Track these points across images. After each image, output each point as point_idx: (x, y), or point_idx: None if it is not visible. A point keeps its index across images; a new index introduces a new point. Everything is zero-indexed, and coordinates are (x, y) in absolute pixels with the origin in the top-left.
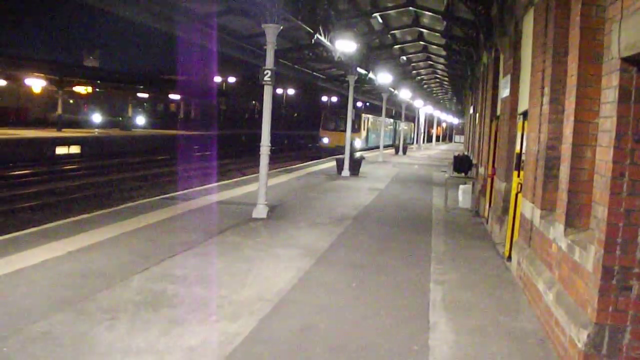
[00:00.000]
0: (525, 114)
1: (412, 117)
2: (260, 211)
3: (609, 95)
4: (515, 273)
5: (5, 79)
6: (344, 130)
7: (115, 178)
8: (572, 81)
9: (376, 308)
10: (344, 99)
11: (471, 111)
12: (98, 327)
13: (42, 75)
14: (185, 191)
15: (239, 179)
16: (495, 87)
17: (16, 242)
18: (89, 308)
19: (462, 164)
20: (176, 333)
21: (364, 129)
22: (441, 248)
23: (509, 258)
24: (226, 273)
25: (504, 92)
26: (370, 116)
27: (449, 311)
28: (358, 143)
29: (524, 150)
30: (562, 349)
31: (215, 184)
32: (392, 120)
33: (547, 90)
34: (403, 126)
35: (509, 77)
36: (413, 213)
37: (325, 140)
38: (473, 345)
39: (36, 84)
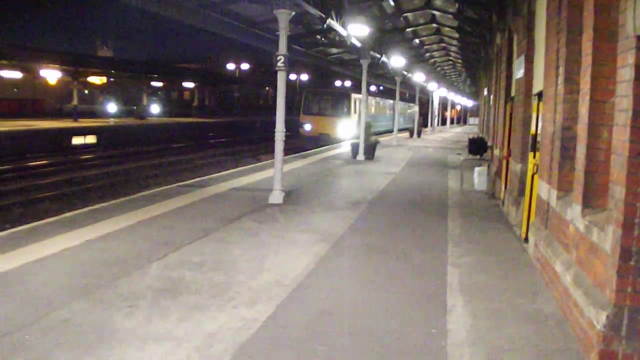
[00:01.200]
0: (540, 95)
1: (413, 98)
2: (277, 197)
3: (625, 74)
4: (532, 255)
5: (21, 70)
6: (331, 115)
7: (131, 167)
8: (587, 60)
9: (393, 292)
10: (356, 82)
11: (485, 93)
12: (117, 314)
13: (57, 66)
14: (201, 178)
15: (254, 165)
16: (509, 68)
17: (35, 231)
18: (108, 295)
19: (477, 146)
20: (195, 319)
21: (354, 113)
22: (457, 231)
23: (526, 240)
24: (243, 259)
25: (518, 73)
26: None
27: (466, 294)
28: (346, 130)
29: (539, 131)
30: (580, 330)
31: (231, 171)
32: (390, 102)
33: (561, 70)
34: (416, 109)
35: (523, 57)
36: (429, 196)
37: (307, 127)
38: (491, 328)
39: (51, 75)
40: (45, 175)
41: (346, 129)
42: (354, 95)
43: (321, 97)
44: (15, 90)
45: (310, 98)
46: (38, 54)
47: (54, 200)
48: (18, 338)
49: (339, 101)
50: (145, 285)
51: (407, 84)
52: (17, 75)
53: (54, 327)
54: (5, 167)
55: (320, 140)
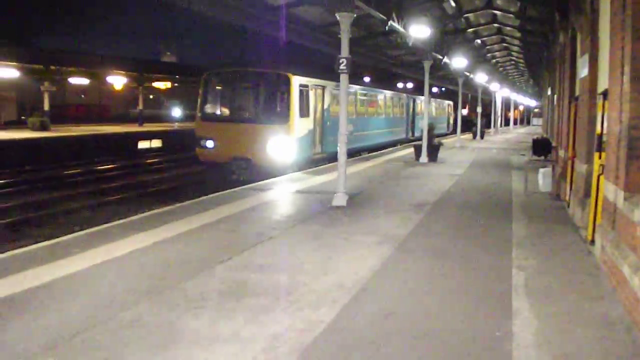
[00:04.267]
0: (605, 94)
1: (445, 94)
2: (340, 199)
3: None
4: (598, 257)
5: (88, 77)
6: (254, 121)
7: (196, 170)
8: None
9: (458, 294)
10: (417, 83)
11: (549, 93)
12: (184, 315)
13: (122, 72)
14: (265, 181)
15: (317, 167)
16: (573, 67)
17: (104, 234)
18: (175, 297)
19: (541, 147)
20: (260, 321)
21: (305, 115)
22: (522, 233)
23: (592, 242)
24: (307, 261)
25: (582, 72)
26: (330, 85)
27: (532, 297)
28: (286, 148)
29: (604, 131)
30: None
31: (294, 174)
32: (394, 95)
33: (627, 68)
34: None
35: (586, 56)
36: (493, 198)
37: (209, 144)
38: (557, 331)
39: (117, 81)
40: (113, 179)
41: (287, 147)
42: (297, 79)
43: (235, 84)
44: (83, 96)
45: (215, 86)
46: (104, 60)
47: (121, 203)
48: (89, 337)
49: (270, 92)
50: (210, 287)
51: (469, 84)
52: (84, 81)
53: (123, 327)
54: (74, 171)
55: (234, 173)
